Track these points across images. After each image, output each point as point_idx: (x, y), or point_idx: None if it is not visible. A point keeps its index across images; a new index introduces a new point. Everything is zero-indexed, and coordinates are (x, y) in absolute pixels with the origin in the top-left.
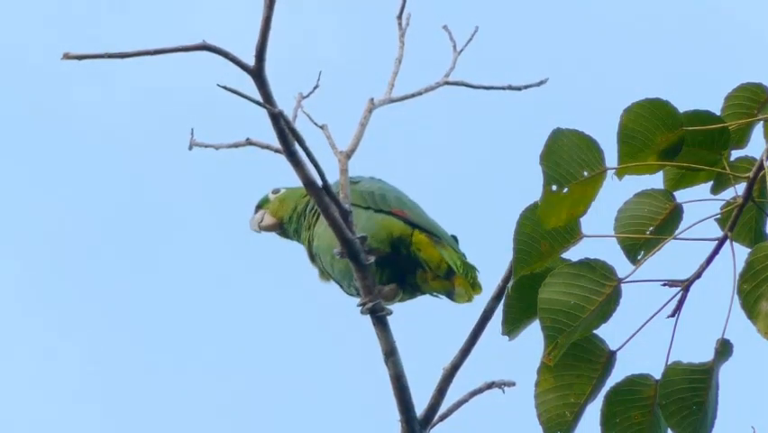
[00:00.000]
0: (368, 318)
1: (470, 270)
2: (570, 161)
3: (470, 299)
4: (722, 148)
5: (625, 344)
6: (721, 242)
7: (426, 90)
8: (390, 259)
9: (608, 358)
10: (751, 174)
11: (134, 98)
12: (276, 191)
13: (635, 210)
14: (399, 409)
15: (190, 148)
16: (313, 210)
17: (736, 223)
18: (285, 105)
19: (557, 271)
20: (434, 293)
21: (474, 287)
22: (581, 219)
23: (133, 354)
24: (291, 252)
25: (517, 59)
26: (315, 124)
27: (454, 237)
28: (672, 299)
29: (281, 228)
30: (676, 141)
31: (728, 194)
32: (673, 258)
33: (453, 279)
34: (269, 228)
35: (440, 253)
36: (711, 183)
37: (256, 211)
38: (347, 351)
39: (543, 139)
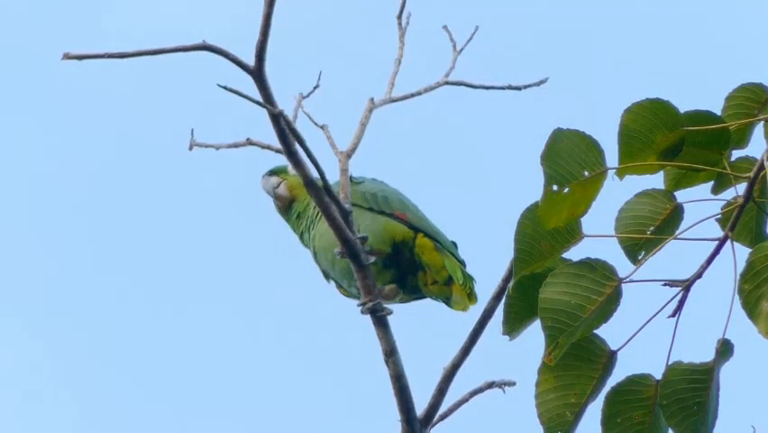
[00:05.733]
0: (368, 318)
1: (468, 280)
2: (570, 161)
3: (465, 309)
4: (722, 148)
5: (625, 344)
6: (722, 242)
7: (426, 90)
8: (392, 260)
9: (609, 358)
10: (751, 174)
11: (133, 99)
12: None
13: (635, 210)
14: (400, 408)
15: (190, 148)
16: (315, 208)
17: (736, 223)
18: (285, 105)
19: (558, 271)
20: (433, 296)
21: (471, 297)
22: (582, 219)
23: (131, 355)
24: (290, 252)
25: (517, 58)
26: (316, 124)
27: (454, 243)
28: (672, 299)
29: (290, 206)
30: (676, 141)
31: (729, 194)
32: (674, 258)
33: (452, 285)
34: (281, 198)
35: (442, 259)
36: (712, 183)
37: (272, 175)
38: (347, 351)
39: (543, 139)
